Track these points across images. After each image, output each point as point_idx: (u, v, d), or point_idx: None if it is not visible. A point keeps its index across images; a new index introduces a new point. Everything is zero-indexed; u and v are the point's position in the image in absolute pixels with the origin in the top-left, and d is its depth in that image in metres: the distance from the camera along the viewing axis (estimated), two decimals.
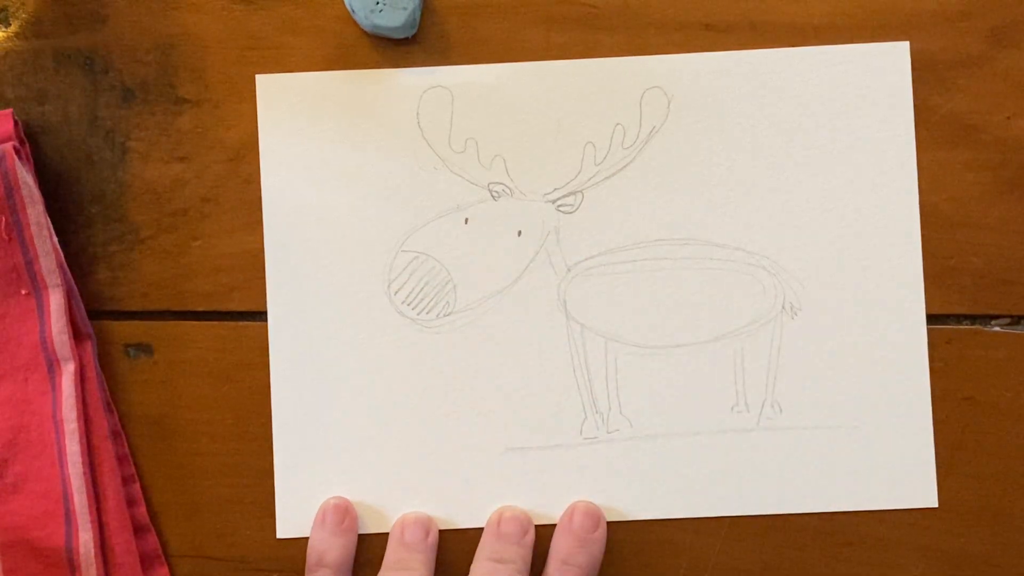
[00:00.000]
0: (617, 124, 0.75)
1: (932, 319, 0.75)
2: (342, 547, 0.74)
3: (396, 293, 0.75)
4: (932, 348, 0.75)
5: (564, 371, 0.75)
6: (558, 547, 0.74)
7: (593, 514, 0.74)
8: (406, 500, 0.76)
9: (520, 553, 0.73)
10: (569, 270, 0.75)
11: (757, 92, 0.75)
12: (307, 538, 0.75)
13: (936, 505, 0.76)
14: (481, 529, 0.75)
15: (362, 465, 0.76)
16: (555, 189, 0.75)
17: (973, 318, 0.76)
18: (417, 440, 0.76)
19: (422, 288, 0.75)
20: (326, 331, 0.76)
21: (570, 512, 0.75)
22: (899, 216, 0.75)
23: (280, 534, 0.76)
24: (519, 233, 0.75)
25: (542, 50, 0.76)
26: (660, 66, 0.75)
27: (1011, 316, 0.76)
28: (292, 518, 0.76)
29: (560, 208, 0.75)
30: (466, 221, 0.75)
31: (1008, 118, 0.75)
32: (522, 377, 0.75)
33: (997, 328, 0.76)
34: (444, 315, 0.75)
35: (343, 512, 0.75)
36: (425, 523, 0.74)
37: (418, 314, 0.75)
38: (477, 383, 0.76)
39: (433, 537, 0.75)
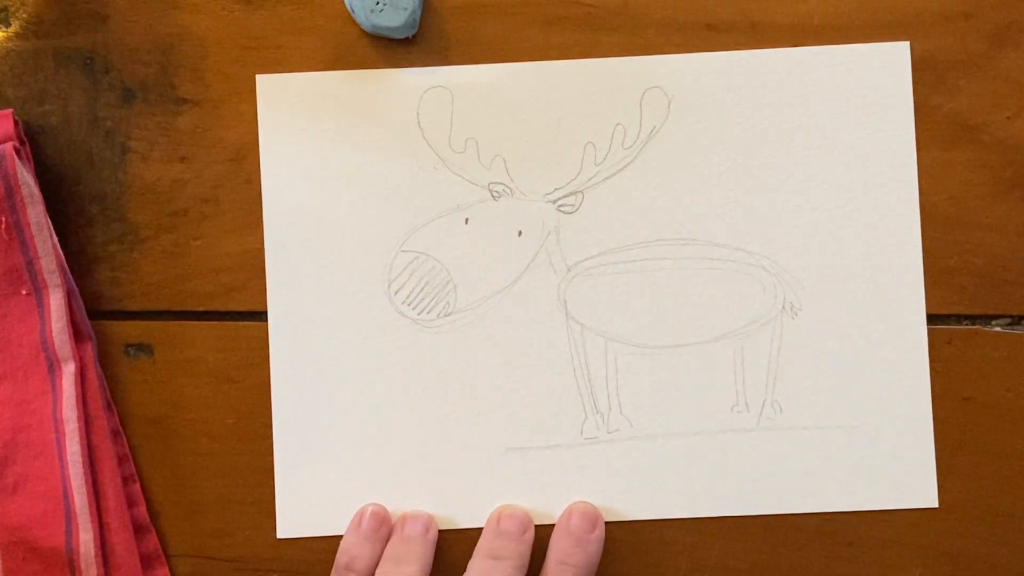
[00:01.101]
0: (617, 124, 0.75)
1: (932, 319, 0.75)
2: (373, 556, 0.74)
3: (396, 293, 0.75)
4: (932, 348, 0.75)
5: (564, 371, 0.75)
6: (556, 548, 0.74)
7: (591, 515, 0.74)
8: (406, 500, 0.76)
9: (518, 550, 0.73)
10: (569, 270, 0.75)
11: (757, 92, 0.75)
12: (307, 538, 0.75)
13: (936, 505, 0.76)
14: (482, 529, 0.75)
15: (362, 465, 0.76)
16: (555, 189, 0.75)
17: (973, 318, 0.76)
18: (417, 440, 0.76)
19: (422, 288, 0.75)
20: (326, 331, 0.76)
21: (568, 513, 0.75)
22: (899, 216, 0.75)
23: (280, 534, 0.76)
24: (519, 233, 0.75)
25: (542, 50, 0.76)
26: (660, 66, 0.75)
27: (1011, 316, 0.76)
28: (292, 518, 0.76)
29: (560, 208, 0.75)
30: (466, 221, 0.75)
31: (1008, 118, 0.75)
32: (522, 377, 0.75)
33: (997, 328, 0.76)
34: (444, 315, 0.75)
35: (380, 520, 0.75)
36: (425, 520, 0.74)
37: (418, 314, 0.75)
38: (477, 383, 0.76)
39: (433, 533, 0.75)
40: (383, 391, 0.76)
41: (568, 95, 0.75)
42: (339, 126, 0.75)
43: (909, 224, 0.75)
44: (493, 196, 0.75)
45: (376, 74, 0.76)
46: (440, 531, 0.76)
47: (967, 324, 0.76)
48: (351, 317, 0.76)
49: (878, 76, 0.75)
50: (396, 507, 0.76)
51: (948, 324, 0.76)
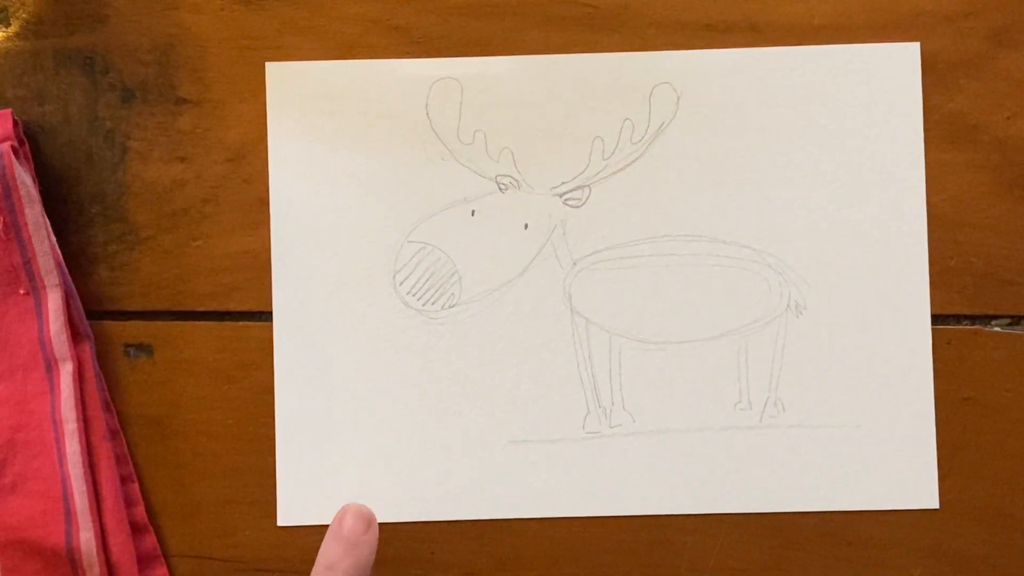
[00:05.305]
0: (626, 119, 0.75)
1: (932, 319, 0.76)
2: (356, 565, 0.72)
3: (401, 284, 0.75)
4: (932, 348, 0.75)
5: (568, 365, 0.75)
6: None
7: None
8: (409, 491, 0.76)
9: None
10: (575, 264, 0.75)
11: (767, 90, 0.76)
12: (307, 538, 0.76)
13: (937, 506, 0.76)
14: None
15: (364, 454, 0.76)
16: (563, 183, 0.75)
17: (973, 318, 0.76)
18: (420, 432, 0.76)
19: (427, 279, 0.75)
20: (330, 320, 0.76)
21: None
22: (906, 217, 0.75)
23: (281, 522, 0.76)
24: (525, 226, 0.75)
25: (542, 50, 0.76)
26: (670, 62, 0.75)
27: (1011, 316, 0.76)
28: (293, 506, 0.76)
29: (567, 202, 0.75)
30: (473, 213, 0.75)
31: (1008, 118, 0.76)
32: (526, 370, 0.76)
33: (997, 328, 0.76)
34: (449, 306, 0.75)
35: (366, 522, 0.73)
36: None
37: (423, 305, 0.75)
38: (480, 375, 0.76)
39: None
40: (386, 381, 0.76)
41: (577, 89, 0.75)
42: (347, 115, 0.76)
43: (915, 225, 0.75)
44: (500, 188, 0.75)
45: (386, 64, 0.76)
46: (441, 523, 0.76)
47: (967, 324, 0.76)
48: (355, 306, 0.76)
49: (888, 77, 0.75)
50: (399, 498, 0.76)
51: (948, 324, 0.76)
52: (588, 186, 0.75)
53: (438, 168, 0.76)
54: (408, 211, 0.76)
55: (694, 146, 0.75)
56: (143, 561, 0.75)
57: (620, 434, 0.76)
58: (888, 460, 0.75)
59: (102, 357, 0.76)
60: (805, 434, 0.75)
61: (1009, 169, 0.76)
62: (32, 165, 0.74)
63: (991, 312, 0.76)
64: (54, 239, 0.74)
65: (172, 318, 0.76)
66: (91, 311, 0.76)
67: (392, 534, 0.76)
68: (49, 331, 0.74)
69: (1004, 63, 0.76)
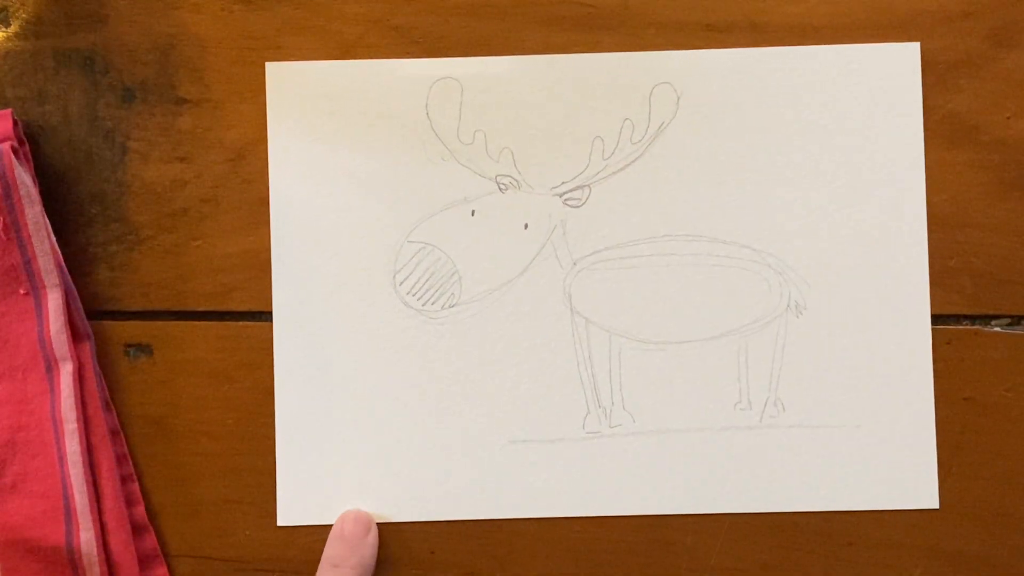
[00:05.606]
0: (626, 119, 0.75)
1: (932, 319, 0.76)
2: (360, 562, 0.74)
3: (401, 284, 0.75)
4: (932, 348, 0.75)
5: (568, 365, 0.75)
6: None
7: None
8: (409, 491, 0.76)
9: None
10: (575, 264, 0.75)
11: (767, 90, 0.76)
12: (307, 539, 0.76)
13: (937, 506, 0.76)
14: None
15: (364, 454, 0.76)
16: (563, 183, 0.75)
17: (973, 318, 0.76)
18: (421, 431, 0.76)
19: (427, 279, 0.75)
20: (330, 320, 0.76)
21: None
22: (906, 217, 0.75)
23: (281, 522, 0.75)
24: (525, 226, 0.75)
25: (541, 50, 0.76)
26: (670, 62, 0.75)
27: (1011, 316, 0.76)
28: (293, 506, 0.76)
29: (567, 202, 0.75)
30: (473, 213, 0.75)
31: (1008, 118, 0.75)
32: (526, 370, 0.75)
33: (997, 328, 0.76)
34: (449, 306, 0.75)
35: (364, 526, 0.75)
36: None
37: (423, 305, 0.75)
38: (481, 375, 0.76)
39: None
40: (386, 381, 0.76)
41: (577, 89, 0.75)
42: (347, 115, 0.76)
43: (915, 225, 0.75)
44: (500, 188, 0.75)
45: (386, 64, 0.76)
46: (441, 523, 0.76)
47: (967, 324, 0.76)
48: (356, 307, 0.76)
49: (887, 77, 0.75)
50: (400, 498, 0.76)
51: (948, 324, 0.76)
52: (588, 186, 0.75)
53: (438, 168, 0.76)
54: (408, 211, 0.76)
55: (694, 146, 0.75)
56: (143, 561, 0.75)
57: (620, 434, 0.76)
58: (888, 460, 0.75)
59: (102, 357, 0.76)
60: (805, 434, 0.75)
61: (1009, 169, 0.76)
62: (32, 165, 0.74)
63: (991, 312, 0.76)
64: (54, 239, 0.74)
65: (172, 318, 0.76)
66: (91, 311, 0.76)
67: (392, 534, 0.76)
68: (49, 331, 0.73)
69: (1004, 63, 0.76)
